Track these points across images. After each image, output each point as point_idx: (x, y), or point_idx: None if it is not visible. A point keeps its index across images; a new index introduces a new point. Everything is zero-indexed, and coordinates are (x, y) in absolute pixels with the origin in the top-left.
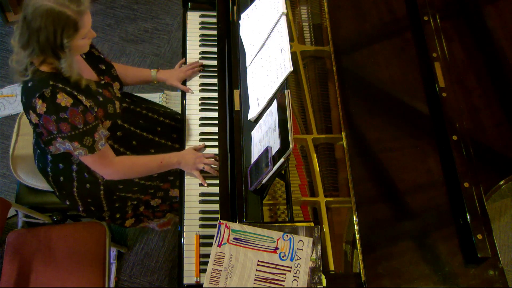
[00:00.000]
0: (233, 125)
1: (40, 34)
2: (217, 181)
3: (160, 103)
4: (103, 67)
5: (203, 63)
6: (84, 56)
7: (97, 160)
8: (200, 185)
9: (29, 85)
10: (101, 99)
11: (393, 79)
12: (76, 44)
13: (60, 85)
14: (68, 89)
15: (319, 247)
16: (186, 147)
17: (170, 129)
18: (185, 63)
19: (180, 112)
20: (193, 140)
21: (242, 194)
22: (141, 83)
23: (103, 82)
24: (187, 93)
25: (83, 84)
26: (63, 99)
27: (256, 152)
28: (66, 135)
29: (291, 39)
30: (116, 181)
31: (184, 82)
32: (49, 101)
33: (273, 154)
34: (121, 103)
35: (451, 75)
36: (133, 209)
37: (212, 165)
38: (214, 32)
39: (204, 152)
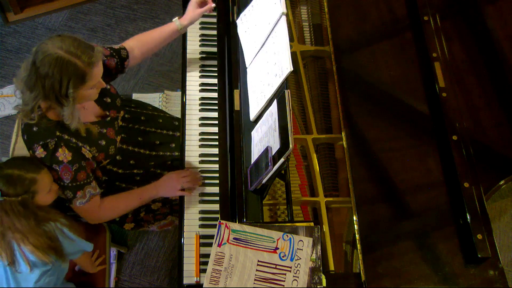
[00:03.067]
0: (233, 125)
1: (46, 80)
2: (217, 181)
3: (160, 103)
4: (108, 100)
5: (203, 63)
6: None
7: (80, 211)
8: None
9: (34, 129)
10: (103, 143)
11: (393, 79)
12: (82, 93)
13: (66, 137)
14: (73, 140)
15: (319, 247)
16: (186, 147)
17: (169, 140)
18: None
19: (179, 115)
20: (193, 140)
21: (242, 194)
22: (170, 40)
23: (108, 118)
24: (186, 94)
25: (83, 132)
26: (63, 154)
27: (256, 152)
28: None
29: (291, 39)
30: (114, 189)
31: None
32: (50, 152)
33: (273, 154)
34: (121, 133)
35: (451, 75)
36: (133, 213)
37: (191, 181)
38: (214, 32)
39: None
